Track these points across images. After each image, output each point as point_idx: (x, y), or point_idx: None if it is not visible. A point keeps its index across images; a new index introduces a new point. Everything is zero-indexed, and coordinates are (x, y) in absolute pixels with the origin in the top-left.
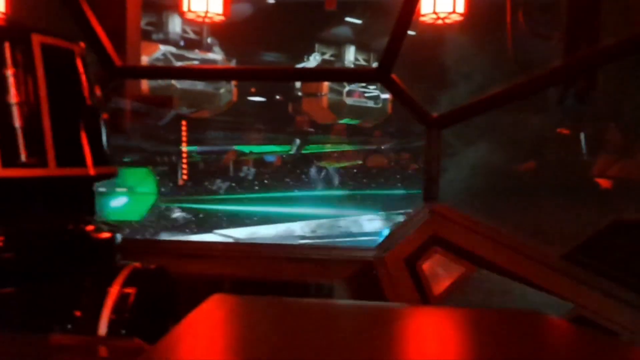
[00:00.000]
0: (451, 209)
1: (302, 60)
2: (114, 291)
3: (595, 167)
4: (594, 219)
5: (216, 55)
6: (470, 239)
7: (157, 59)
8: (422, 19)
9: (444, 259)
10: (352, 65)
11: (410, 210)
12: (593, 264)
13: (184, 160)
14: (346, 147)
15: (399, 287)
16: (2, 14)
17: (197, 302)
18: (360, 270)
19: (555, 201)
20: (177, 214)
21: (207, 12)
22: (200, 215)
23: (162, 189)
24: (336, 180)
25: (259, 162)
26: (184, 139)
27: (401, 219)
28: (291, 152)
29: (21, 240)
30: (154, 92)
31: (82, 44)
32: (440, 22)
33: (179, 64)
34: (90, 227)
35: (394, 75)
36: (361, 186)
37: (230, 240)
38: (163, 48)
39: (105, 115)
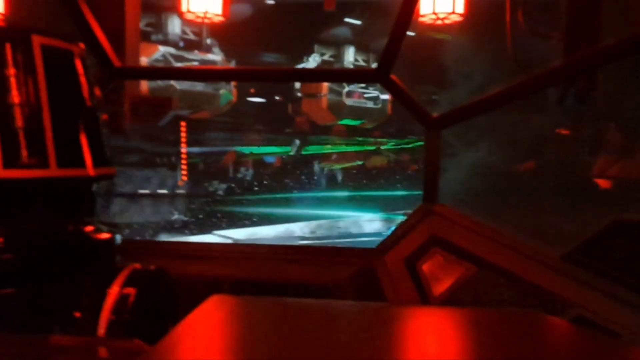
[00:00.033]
0: (451, 209)
1: (301, 61)
2: (113, 292)
3: (595, 167)
4: (594, 219)
5: (215, 56)
6: (470, 239)
7: (157, 60)
8: (421, 19)
9: (443, 260)
10: (352, 66)
11: (410, 211)
12: (593, 264)
13: (184, 161)
14: (346, 148)
15: (399, 287)
16: (2, 15)
17: (196, 302)
18: (360, 271)
19: (555, 201)
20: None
21: (206, 12)
22: (200, 216)
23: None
24: (336, 181)
25: (259, 163)
26: (183, 139)
27: (401, 219)
28: (291, 153)
29: (21, 240)
30: (154, 93)
31: (82, 45)
32: (439, 22)
33: (178, 64)
34: (90, 228)
35: (393, 76)
36: (361, 187)
37: (229, 241)
38: (162, 49)
39: (104, 116)
